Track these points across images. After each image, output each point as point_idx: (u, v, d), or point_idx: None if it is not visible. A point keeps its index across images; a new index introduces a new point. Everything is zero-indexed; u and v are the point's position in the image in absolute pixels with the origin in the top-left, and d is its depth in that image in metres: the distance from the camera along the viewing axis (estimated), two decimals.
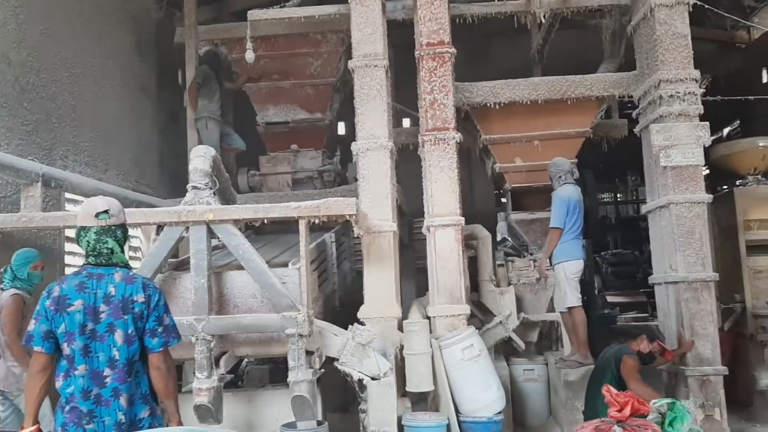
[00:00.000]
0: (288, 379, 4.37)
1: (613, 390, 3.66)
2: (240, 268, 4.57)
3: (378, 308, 5.49)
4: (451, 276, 5.73)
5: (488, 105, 6.46)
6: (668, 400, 3.77)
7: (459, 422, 5.30)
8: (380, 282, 5.55)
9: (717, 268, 6.83)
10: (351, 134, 5.90)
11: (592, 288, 10.35)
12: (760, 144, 7.28)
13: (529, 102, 6.40)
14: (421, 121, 6.00)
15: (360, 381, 5.08)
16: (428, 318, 5.72)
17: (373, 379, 4.84)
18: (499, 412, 5.39)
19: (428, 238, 5.89)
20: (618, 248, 13.68)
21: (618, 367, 4.84)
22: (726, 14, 7.35)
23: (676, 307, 5.63)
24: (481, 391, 5.33)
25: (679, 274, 5.55)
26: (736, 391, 6.67)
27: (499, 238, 8.57)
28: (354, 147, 5.72)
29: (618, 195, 17.33)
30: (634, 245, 13.39)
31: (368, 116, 5.67)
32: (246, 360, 6.07)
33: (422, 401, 5.63)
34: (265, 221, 4.62)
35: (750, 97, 7.80)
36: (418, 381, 5.31)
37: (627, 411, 3.53)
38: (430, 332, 5.58)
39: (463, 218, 5.82)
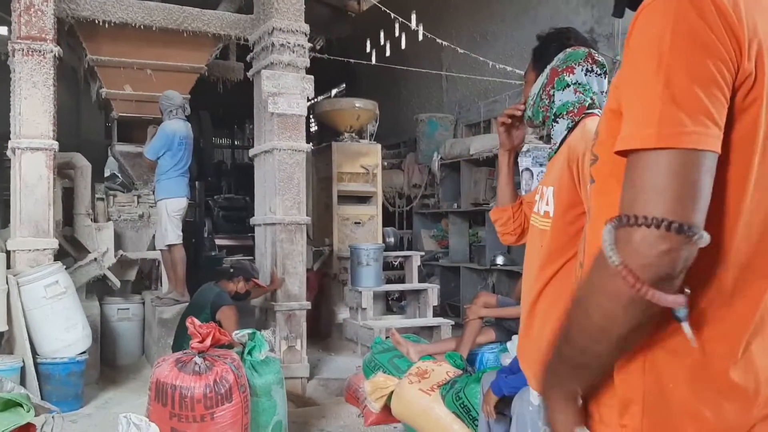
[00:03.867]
0: None
1: (197, 322, 3.70)
2: None
3: None
4: (38, 206, 5.17)
5: (97, 22, 5.88)
6: (249, 331, 3.98)
7: (36, 364, 4.86)
8: None
9: (312, 214, 7.47)
10: None
11: (201, 230, 10.45)
12: (356, 104, 8.06)
13: (143, 27, 6.00)
14: (13, 28, 5.22)
15: None
16: (8, 252, 5.09)
17: None
18: (83, 352, 5.09)
19: (13, 162, 5.22)
20: (231, 193, 14.01)
21: (213, 313, 4.84)
22: None
23: (272, 247, 5.96)
24: (63, 330, 4.97)
25: (277, 216, 5.86)
26: (319, 325, 7.44)
27: (107, 174, 8.01)
28: None
29: (235, 141, 17.73)
30: (247, 191, 13.83)
31: None
32: None
33: None
34: None
35: (352, 61, 8.56)
36: None
37: (208, 342, 3.61)
38: (9, 267, 4.99)
39: (56, 143, 5.27)
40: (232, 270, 5.33)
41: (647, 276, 0.91)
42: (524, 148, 7.15)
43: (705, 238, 0.91)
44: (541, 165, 7.09)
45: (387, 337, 5.25)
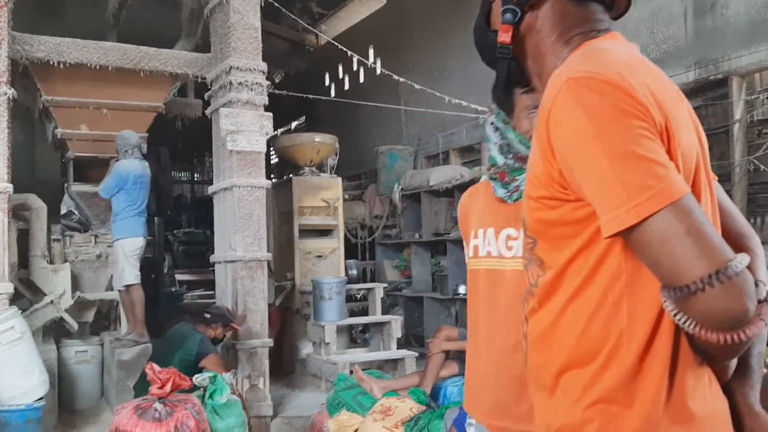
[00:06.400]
0: None
1: (156, 367, 3.67)
2: None
3: None
4: None
5: (52, 63, 5.83)
6: (210, 374, 3.95)
7: None
8: None
9: (274, 249, 7.45)
10: None
11: (161, 266, 10.31)
12: (316, 139, 8.13)
13: (99, 67, 5.97)
14: None
15: None
16: None
17: None
18: (41, 398, 4.96)
19: None
20: (191, 227, 13.90)
21: (197, 361, 4.73)
22: (296, 18, 8.02)
23: (232, 285, 5.91)
24: (19, 377, 4.84)
25: (237, 253, 5.82)
26: (282, 360, 7.38)
27: (64, 211, 7.88)
28: None
29: (195, 175, 17.64)
30: (207, 225, 13.74)
31: None
32: None
33: None
34: None
35: (311, 96, 8.65)
36: None
37: (168, 387, 3.57)
38: None
39: (11, 185, 5.18)
40: (208, 316, 5.24)
41: (740, 321, 0.96)
42: (482, 179, 7.27)
43: (745, 259, 0.96)
44: None
45: (350, 373, 5.25)
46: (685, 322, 0.98)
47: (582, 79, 1.05)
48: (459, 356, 4.65)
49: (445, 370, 4.57)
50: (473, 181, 7.47)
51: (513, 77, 1.34)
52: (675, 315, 0.98)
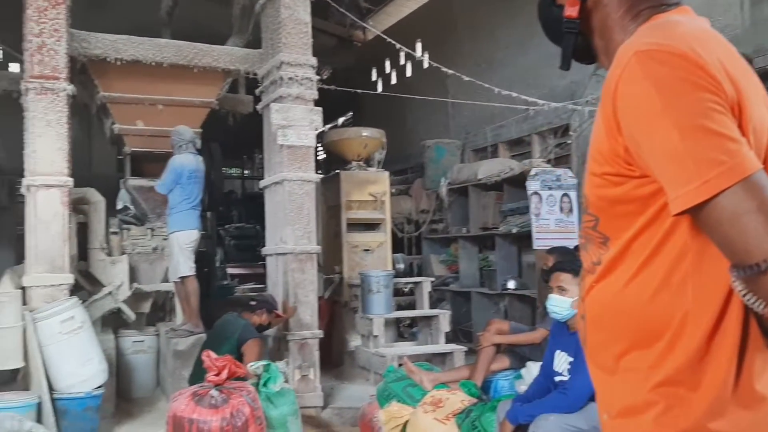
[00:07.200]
0: None
1: (213, 355, 3.74)
2: None
3: None
4: (54, 242, 5.24)
5: (109, 60, 6.00)
6: (264, 363, 4.01)
7: (53, 399, 4.89)
8: None
9: (322, 242, 7.52)
10: None
11: (213, 260, 10.51)
12: (364, 134, 8.16)
13: (154, 63, 6.13)
14: (26, 67, 5.34)
15: None
16: (23, 288, 5.15)
17: None
18: (99, 386, 5.12)
19: (28, 199, 5.29)
20: (242, 222, 14.12)
21: (240, 346, 4.85)
22: (346, 12, 8.06)
23: (283, 277, 6.01)
24: (79, 365, 5.01)
25: (288, 246, 5.92)
26: (331, 353, 7.45)
27: (120, 206, 8.10)
28: None
29: (245, 170, 17.91)
30: (257, 220, 13.96)
31: None
32: None
33: (15, 380, 5.08)
34: None
35: (359, 91, 8.67)
36: (5, 358, 4.78)
37: (224, 374, 3.65)
38: (25, 304, 5.04)
39: (71, 179, 5.36)
40: (254, 303, 5.39)
41: None
42: (532, 172, 7.21)
43: None
44: (549, 188, 7.13)
45: (400, 365, 5.26)
46: (754, 303, 0.95)
47: (651, 51, 1.03)
48: (510, 350, 4.62)
49: (495, 364, 4.55)
50: (523, 174, 7.40)
51: (579, 53, 1.32)
52: (744, 295, 0.96)
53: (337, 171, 8.15)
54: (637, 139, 1.04)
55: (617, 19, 1.22)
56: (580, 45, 1.30)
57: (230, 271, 11.97)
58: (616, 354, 1.14)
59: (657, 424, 1.08)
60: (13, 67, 8.77)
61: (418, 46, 7.11)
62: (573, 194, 7.16)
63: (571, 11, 1.25)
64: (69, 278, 5.31)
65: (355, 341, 7.48)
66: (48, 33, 5.20)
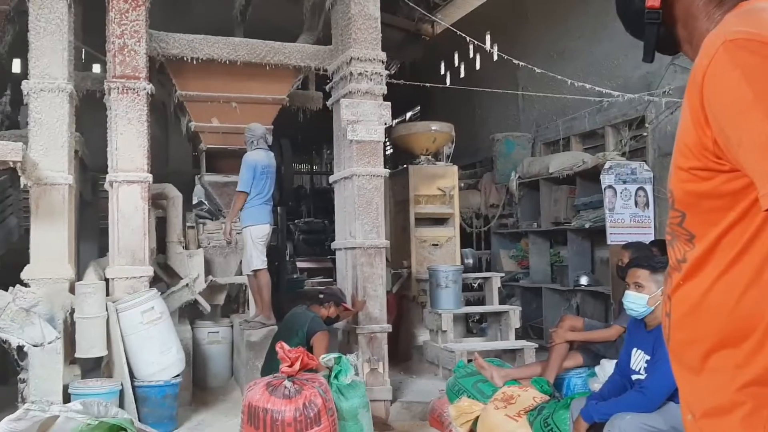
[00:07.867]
0: None
1: (286, 346, 3.81)
2: None
3: (46, 268, 5.01)
4: (135, 236, 5.45)
5: (185, 59, 6.19)
6: (335, 355, 4.06)
7: (134, 387, 5.10)
8: (50, 240, 5.06)
9: (390, 236, 7.55)
10: (27, 74, 5.24)
11: (283, 254, 10.71)
12: (433, 128, 8.12)
13: (228, 62, 6.28)
14: (109, 67, 5.56)
15: (20, 348, 4.62)
16: (107, 280, 5.39)
17: (35, 346, 4.41)
18: (177, 375, 5.30)
19: (111, 195, 5.52)
20: (310, 217, 14.36)
21: (308, 338, 4.97)
22: (415, 6, 8.04)
23: (352, 271, 6.06)
24: (158, 354, 5.20)
25: (357, 240, 5.96)
26: (399, 347, 7.48)
27: (195, 201, 8.37)
28: (25, 86, 5.09)
29: (314, 166, 18.17)
30: (325, 215, 14.17)
31: (44, 53, 5.09)
32: None
33: (98, 368, 5.31)
34: None
35: (427, 85, 8.64)
36: (89, 346, 4.99)
37: (297, 366, 3.71)
38: (108, 295, 5.27)
39: (150, 175, 5.56)
40: (322, 296, 5.47)
41: None
42: (606, 165, 7.02)
43: None
44: (624, 182, 6.94)
45: (469, 361, 5.23)
46: None
47: (741, 40, 0.99)
48: (583, 347, 4.52)
49: (568, 361, 4.46)
50: (596, 168, 7.22)
51: (661, 44, 1.27)
52: None
53: (405, 165, 8.15)
54: (727, 132, 1.00)
55: (701, 7, 1.18)
56: (663, 35, 1.25)
57: (299, 264, 12.18)
58: (702, 353, 1.11)
59: (744, 425, 1.05)
60: (95, 68, 9.14)
61: (488, 38, 7.01)
62: (649, 188, 6.95)
63: (653, 1, 1.21)
64: (149, 270, 5.51)
65: (423, 336, 7.48)
66: (129, 34, 5.40)
